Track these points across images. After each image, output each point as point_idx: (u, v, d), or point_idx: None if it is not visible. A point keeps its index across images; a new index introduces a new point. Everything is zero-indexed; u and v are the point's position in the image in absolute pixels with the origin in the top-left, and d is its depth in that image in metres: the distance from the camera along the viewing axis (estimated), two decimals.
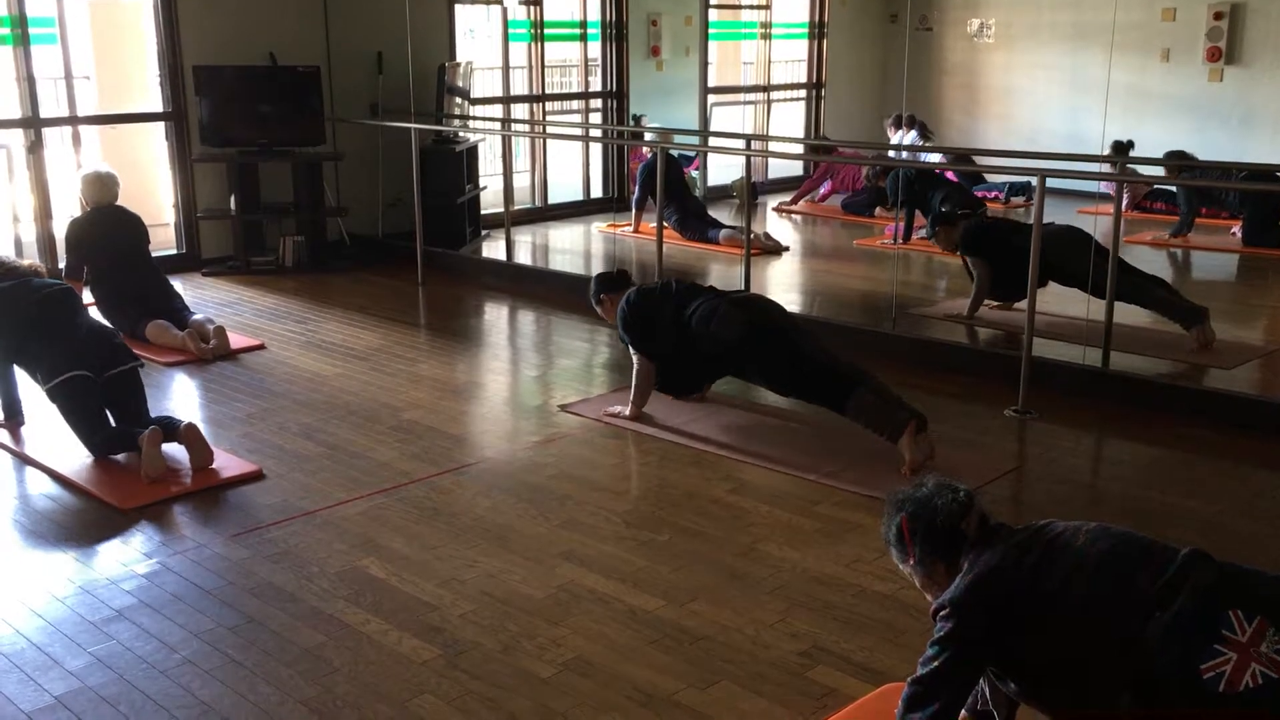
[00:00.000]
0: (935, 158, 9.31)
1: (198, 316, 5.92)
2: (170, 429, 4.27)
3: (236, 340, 5.92)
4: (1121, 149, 9.13)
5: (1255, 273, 8.11)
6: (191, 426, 4.24)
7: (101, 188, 6.03)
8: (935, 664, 2.24)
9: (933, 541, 2.35)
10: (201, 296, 6.93)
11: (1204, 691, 1.99)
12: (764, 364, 4.50)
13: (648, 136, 9.69)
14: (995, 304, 6.35)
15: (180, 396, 5.24)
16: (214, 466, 4.23)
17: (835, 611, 3.22)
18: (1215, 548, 3.59)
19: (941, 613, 2.26)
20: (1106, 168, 7.26)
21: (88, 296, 6.20)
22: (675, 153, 9.01)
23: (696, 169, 10.14)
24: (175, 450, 4.30)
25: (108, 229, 5.99)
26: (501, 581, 3.40)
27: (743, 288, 4.68)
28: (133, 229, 6.10)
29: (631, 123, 9.90)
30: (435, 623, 3.16)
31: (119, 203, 6.13)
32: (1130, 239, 8.55)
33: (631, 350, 4.76)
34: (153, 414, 4.48)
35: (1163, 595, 2.09)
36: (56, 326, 4.44)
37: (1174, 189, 9.09)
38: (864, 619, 3.18)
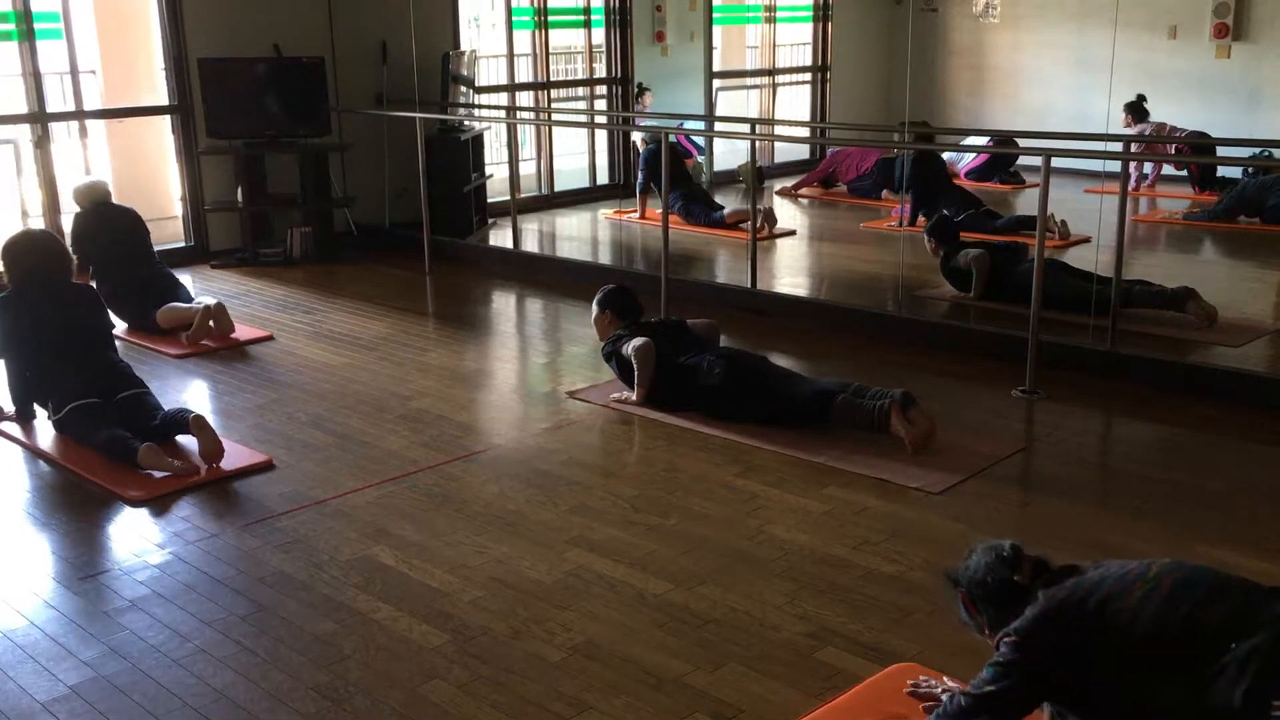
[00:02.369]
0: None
1: (206, 299, 5.97)
2: (179, 423, 4.30)
3: (245, 331, 5.95)
4: (1136, 109, 9.08)
5: (1267, 251, 8.08)
6: (199, 417, 4.26)
7: (92, 189, 6.16)
8: (989, 687, 2.22)
9: (994, 604, 2.34)
10: (210, 288, 6.95)
11: None
12: (748, 402, 4.54)
13: (650, 122, 9.68)
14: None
15: (189, 388, 5.27)
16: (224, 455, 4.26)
17: (843, 593, 3.24)
18: (1224, 526, 3.62)
19: (1006, 639, 2.24)
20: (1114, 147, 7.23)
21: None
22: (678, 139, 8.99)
23: (701, 156, 10.12)
24: (185, 441, 4.34)
25: (108, 222, 6.07)
26: (511, 567, 3.42)
27: (731, 346, 4.79)
28: (131, 220, 6.19)
29: (636, 91, 9.90)
30: (445, 609, 3.18)
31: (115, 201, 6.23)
32: (1139, 218, 8.54)
33: (627, 348, 4.76)
34: (165, 407, 4.51)
35: (1239, 627, 2.04)
36: (70, 360, 4.49)
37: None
38: (871, 600, 3.20)
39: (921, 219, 8.32)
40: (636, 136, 9.39)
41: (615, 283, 5.17)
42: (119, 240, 6.06)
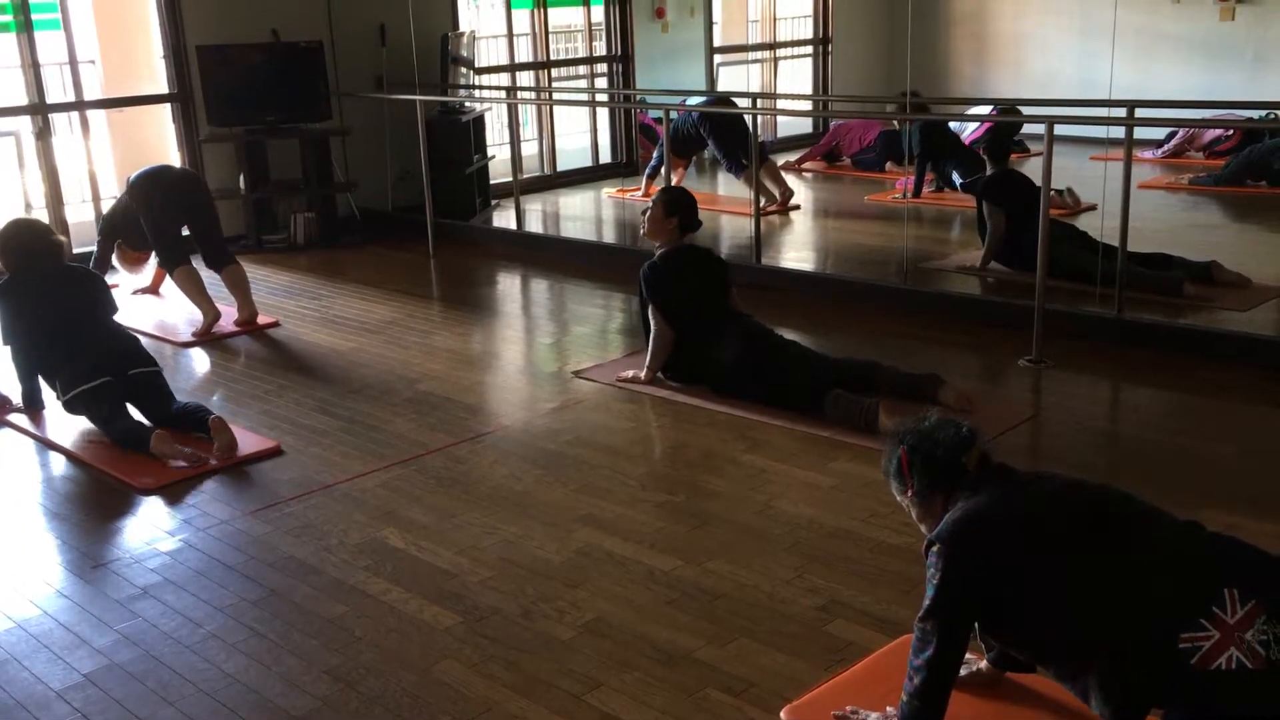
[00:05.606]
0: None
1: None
2: (198, 421, 4.30)
3: None
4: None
5: (1275, 214, 8.03)
6: (219, 419, 4.27)
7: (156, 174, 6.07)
8: (929, 603, 2.24)
9: (932, 474, 2.34)
10: (214, 277, 6.93)
11: (1176, 661, 1.97)
12: (750, 383, 4.51)
13: (655, 98, 9.63)
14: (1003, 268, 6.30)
15: (196, 375, 5.28)
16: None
17: (852, 565, 3.24)
18: (1233, 491, 3.61)
19: (932, 549, 2.26)
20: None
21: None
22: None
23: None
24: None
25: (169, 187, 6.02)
26: (520, 547, 3.43)
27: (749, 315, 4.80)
28: (192, 182, 6.24)
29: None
30: (455, 590, 3.19)
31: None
32: (1145, 184, 8.47)
33: (650, 312, 4.74)
34: (179, 398, 4.51)
35: (1158, 557, 2.07)
36: (77, 339, 4.46)
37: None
38: (881, 572, 3.20)
39: (927, 190, 8.31)
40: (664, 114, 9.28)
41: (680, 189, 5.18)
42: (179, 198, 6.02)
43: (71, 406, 4.41)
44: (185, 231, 6.02)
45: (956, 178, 8.06)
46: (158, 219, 5.87)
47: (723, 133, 8.11)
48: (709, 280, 4.80)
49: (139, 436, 4.20)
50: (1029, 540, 2.19)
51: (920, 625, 2.25)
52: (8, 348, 4.60)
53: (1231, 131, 8.93)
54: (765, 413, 4.39)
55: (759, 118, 8.00)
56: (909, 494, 2.39)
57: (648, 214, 4.85)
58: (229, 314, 5.93)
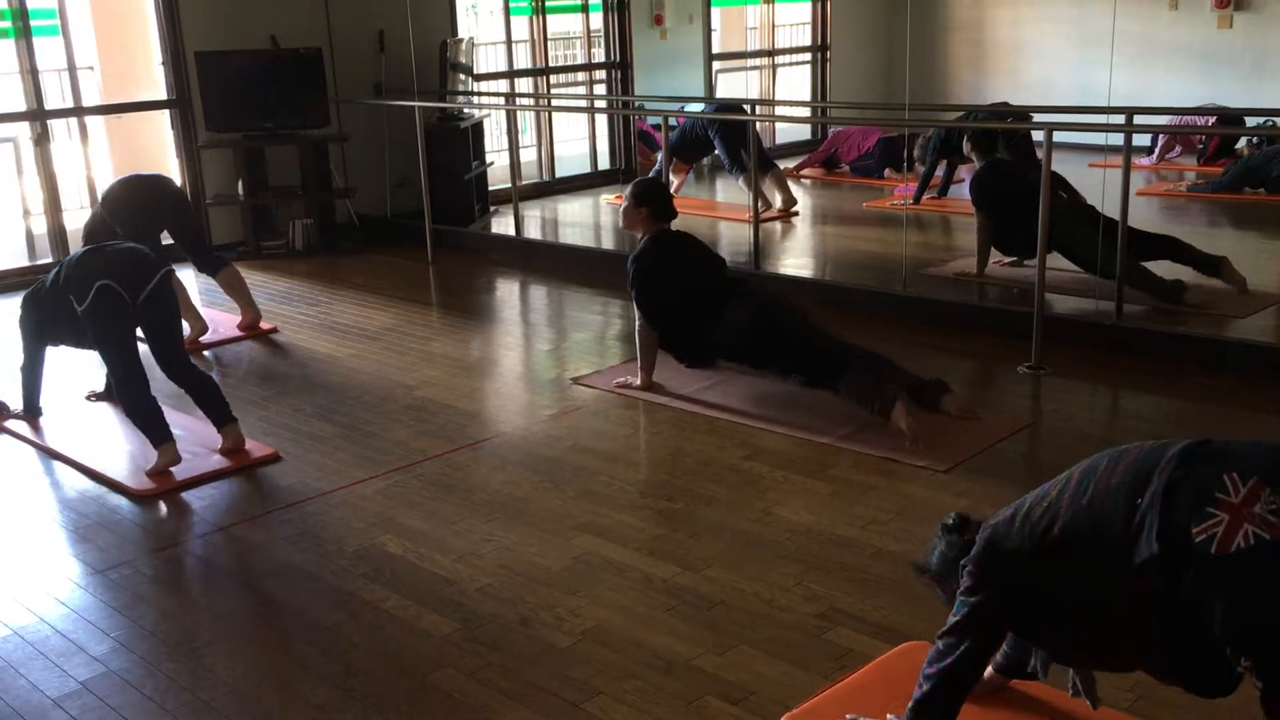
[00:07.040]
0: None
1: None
2: (219, 417, 4.29)
3: None
4: None
5: (1273, 221, 8.04)
6: (234, 430, 4.27)
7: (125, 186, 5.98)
8: (956, 618, 2.24)
9: (955, 570, 2.35)
10: (212, 282, 6.93)
11: (1196, 555, 1.94)
12: (764, 359, 4.52)
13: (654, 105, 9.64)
14: (1006, 261, 6.31)
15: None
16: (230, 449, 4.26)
17: (851, 573, 3.23)
18: None
19: (966, 569, 2.26)
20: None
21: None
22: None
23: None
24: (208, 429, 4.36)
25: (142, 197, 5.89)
26: (518, 554, 3.42)
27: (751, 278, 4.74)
28: (164, 186, 6.07)
29: None
30: (453, 597, 3.18)
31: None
32: (1143, 191, 8.48)
33: (635, 308, 4.74)
34: (192, 380, 4.38)
35: (1140, 484, 2.06)
36: (85, 260, 4.31)
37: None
38: (880, 579, 3.19)
39: (928, 197, 8.31)
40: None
41: (652, 179, 5.13)
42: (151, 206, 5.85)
43: (89, 315, 4.18)
44: (167, 240, 5.87)
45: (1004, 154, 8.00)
46: (135, 231, 5.65)
47: (730, 136, 8.15)
48: (698, 262, 4.75)
49: (158, 426, 4.11)
50: (1035, 534, 2.17)
51: (944, 638, 2.24)
52: (26, 349, 4.60)
53: (1212, 137, 8.93)
54: (764, 419, 4.38)
55: (756, 124, 7.98)
56: (960, 594, 2.39)
57: (622, 206, 4.83)
58: (229, 320, 5.93)
